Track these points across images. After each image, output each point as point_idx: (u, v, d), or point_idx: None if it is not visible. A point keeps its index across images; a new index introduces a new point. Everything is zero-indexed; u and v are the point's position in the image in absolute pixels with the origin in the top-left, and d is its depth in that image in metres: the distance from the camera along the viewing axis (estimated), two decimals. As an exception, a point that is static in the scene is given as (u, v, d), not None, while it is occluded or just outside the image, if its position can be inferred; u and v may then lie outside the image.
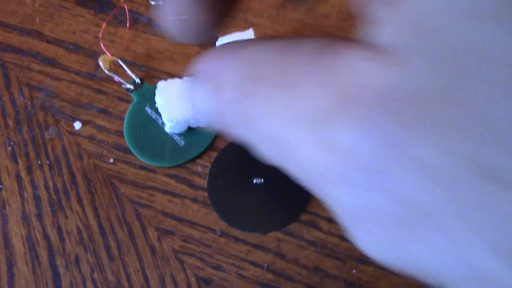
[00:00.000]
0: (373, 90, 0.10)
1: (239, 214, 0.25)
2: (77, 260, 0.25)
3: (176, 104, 0.26)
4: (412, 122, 0.10)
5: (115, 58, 0.29)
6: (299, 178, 0.14)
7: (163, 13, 0.21)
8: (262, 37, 0.16)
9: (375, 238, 0.12)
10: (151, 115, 0.28)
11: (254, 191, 0.26)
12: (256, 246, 0.25)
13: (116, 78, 0.29)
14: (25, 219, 0.26)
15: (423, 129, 0.10)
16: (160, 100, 0.27)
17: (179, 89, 0.27)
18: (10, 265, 0.26)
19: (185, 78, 0.27)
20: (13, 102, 0.30)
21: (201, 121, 0.21)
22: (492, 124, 0.09)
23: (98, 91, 0.30)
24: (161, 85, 0.27)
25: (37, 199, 0.27)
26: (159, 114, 0.28)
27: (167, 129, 0.27)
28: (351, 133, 0.11)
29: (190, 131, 0.27)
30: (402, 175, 0.10)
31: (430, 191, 0.10)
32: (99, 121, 0.29)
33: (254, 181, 0.26)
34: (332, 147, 0.11)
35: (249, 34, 0.28)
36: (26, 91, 0.30)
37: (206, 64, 0.15)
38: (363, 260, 0.24)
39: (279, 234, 0.25)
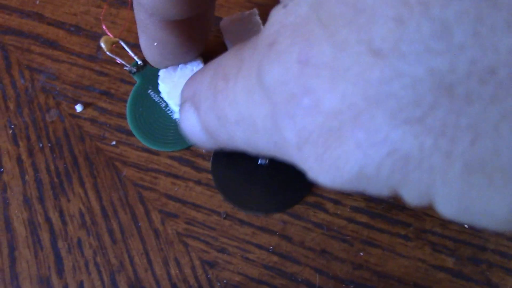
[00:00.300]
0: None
1: (243, 194, 0.25)
2: (79, 244, 0.25)
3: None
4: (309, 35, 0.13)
5: (117, 39, 0.29)
6: (276, 154, 0.16)
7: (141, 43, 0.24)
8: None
9: (319, 159, 0.13)
10: (154, 98, 0.28)
11: (258, 171, 0.25)
12: (261, 228, 0.24)
13: (118, 60, 0.28)
14: (26, 202, 0.26)
15: (318, 39, 0.12)
16: (165, 87, 0.26)
17: (181, 73, 0.26)
18: (12, 248, 0.25)
19: (184, 64, 0.26)
20: (13, 84, 0.29)
21: (197, 143, 0.21)
22: (362, 9, 0.11)
23: (100, 73, 0.29)
24: (163, 73, 0.26)
25: (38, 182, 0.26)
26: (162, 98, 0.27)
27: (177, 115, 0.27)
28: (277, 65, 0.13)
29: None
30: (321, 92, 0.12)
31: (344, 93, 0.12)
32: (101, 103, 0.28)
33: (259, 161, 0.25)
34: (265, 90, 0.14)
35: (254, 14, 0.28)
36: (26, 73, 0.29)
37: (186, 91, 0.20)
38: (371, 242, 0.24)
39: (285, 216, 0.25)
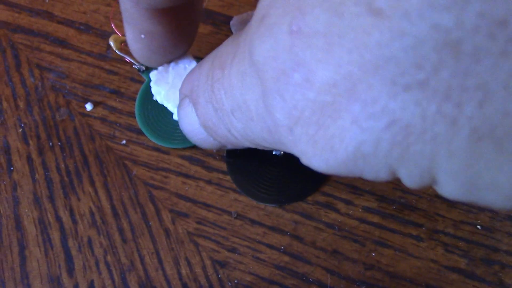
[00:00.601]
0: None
1: (257, 185, 0.24)
2: (90, 243, 0.25)
3: (179, 87, 0.25)
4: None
5: (125, 38, 0.29)
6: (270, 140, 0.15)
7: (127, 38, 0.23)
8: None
9: (311, 140, 0.12)
10: (163, 96, 0.28)
11: (273, 162, 0.25)
12: (272, 228, 0.24)
13: (127, 58, 0.28)
14: (36, 201, 0.26)
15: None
16: (160, 90, 0.25)
17: (175, 72, 0.26)
18: (22, 247, 0.25)
19: (173, 62, 0.26)
20: (23, 83, 0.29)
21: (197, 142, 0.21)
22: None
23: (110, 71, 0.29)
24: (155, 76, 0.26)
25: (48, 180, 0.26)
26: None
27: (176, 116, 0.26)
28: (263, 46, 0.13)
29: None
30: (314, 64, 0.11)
31: (339, 63, 0.11)
32: (111, 102, 0.28)
33: (274, 152, 0.25)
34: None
35: None
36: (36, 72, 0.29)
37: (184, 88, 0.20)
38: (383, 243, 0.24)
39: (296, 216, 0.24)
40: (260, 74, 0.13)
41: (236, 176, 0.25)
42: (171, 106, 0.26)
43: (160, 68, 0.26)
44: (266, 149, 0.17)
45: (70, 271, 0.24)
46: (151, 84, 0.26)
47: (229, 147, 0.18)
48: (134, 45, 0.24)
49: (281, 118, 0.13)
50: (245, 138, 0.17)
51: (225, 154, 0.26)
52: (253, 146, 0.17)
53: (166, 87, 0.25)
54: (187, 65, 0.26)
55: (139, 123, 0.27)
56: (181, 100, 0.20)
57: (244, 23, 0.28)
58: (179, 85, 0.25)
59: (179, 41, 0.24)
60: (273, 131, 0.14)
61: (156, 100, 0.27)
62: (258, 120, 0.15)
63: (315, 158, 0.13)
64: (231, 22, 0.28)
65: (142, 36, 0.23)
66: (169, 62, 0.26)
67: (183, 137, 0.26)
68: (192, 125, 0.19)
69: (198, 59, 0.28)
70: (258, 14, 0.13)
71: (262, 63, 0.13)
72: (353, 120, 0.11)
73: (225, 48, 0.16)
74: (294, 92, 0.12)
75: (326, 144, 0.12)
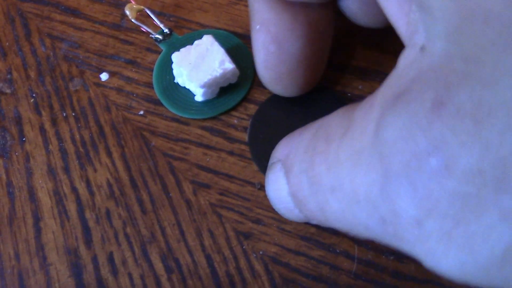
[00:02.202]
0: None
1: None
2: (108, 214, 0.24)
3: (202, 67, 0.25)
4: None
5: (142, 7, 0.28)
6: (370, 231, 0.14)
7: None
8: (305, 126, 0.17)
9: (445, 238, 0.11)
10: (180, 66, 0.27)
11: None
12: (297, 199, 0.24)
13: (144, 28, 0.28)
14: (51, 172, 0.25)
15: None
16: (183, 70, 0.25)
17: (196, 52, 0.25)
18: (37, 219, 0.24)
19: (196, 42, 0.25)
20: (34, 52, 0.28)
21: (280, 210, 0.20)
22: None
23: (125, 41, 0.28)
24: (177, 57, 0.25)
25: (63, 152, 0.26)
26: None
27: (199, 97, 0.26)
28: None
29: (224, 83, 0.26)
30: (456, 148, 0.10)
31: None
32: (127, 72, 0.27)
33: None
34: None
35: None
36: (47, 41, 0.28)
37: (279, 152, 0.18)
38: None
39: (321, 188, 0.24)
40: (385, 155, 0.11)
41: (259, 162, 0.24)
42: (194, 87, 0.25)
43: (182, 49, 0.25)
44: (361, 237, 0.15)
45: (88, 242, 0.24)
46: (173, 66, 0.26)
47: (314, 223, 0.17)
48: (262, 54, 0.21)
49: (407, 209, 0.11)
50: (338, 220, 0.15)
51: (247, 141, 0.25)
52: (345, 231, 0.15)
53: (188, 68, 0.25)
54: (209, 46, 0.25)
55: (157, 93, 0.26)
56: (272, 164, 0.19)
57: None
58: (202, 66, 0.24)
59: (308, 63, 0.22)
60: (389, 221, 0.12)
61: (176, 77, 0.26)
62: (366, 206, 0.13)
63: (447, 260, 0.11)
64: None
65: (258, 27, 0.20)
66: (191, 43, 0.25)
67: (202, 108, 0.26)
68: (280, 192, 0.18)
69: (218, 31, 0.27)
70: (391, 89, 0.12)
71: (391, 144, 0.11)
72: (502, 216, 0.10)
73: (333, 120, 0.15)
74: (428, 179, 0.10)
75: (464, 244, 0.10)
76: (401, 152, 0.11)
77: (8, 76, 0.28)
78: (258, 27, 0.20)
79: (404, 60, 0.12)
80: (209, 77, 0.24)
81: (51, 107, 0.27)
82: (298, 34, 0.20)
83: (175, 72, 0.26)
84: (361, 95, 0.26)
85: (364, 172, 0.12)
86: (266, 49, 0.21)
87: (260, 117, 0.25)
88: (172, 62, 0.26)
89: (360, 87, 0.26)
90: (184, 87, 0.26)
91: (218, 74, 0.24)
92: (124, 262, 0.23)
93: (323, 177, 0.14)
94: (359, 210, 0.13)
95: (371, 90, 0.25)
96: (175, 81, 0.26)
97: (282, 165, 0.17)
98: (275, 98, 0.25)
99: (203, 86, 0.24)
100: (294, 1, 0.19)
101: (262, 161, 0.24)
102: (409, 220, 0.11)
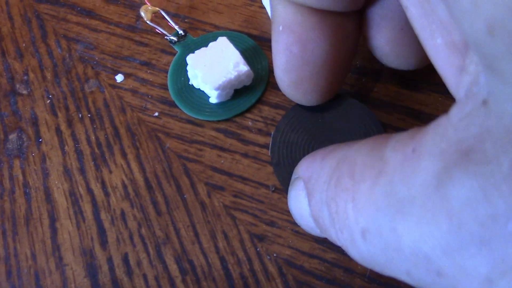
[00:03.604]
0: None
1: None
2: (123, 215, 0.24)
3: (216, 69, 0.25)
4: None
5: (157, 9, 0.28)
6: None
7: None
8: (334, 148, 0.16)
9: None
10: (195, 68, 0.27)
11: None
12: (311, 202, 0.24)
13: (159, 29, 0.28)
14: (67, 173, 0.25)
15: None
16: (198, 72, 0.25)
17: (211, 53, 0.25)
18: (53, 220, 0.24)
19: (211, 44, 0.25)
20: (50, 54, 0.28)
21: (303, 227, 0.19)
22: None
23: (140, 43, 0.28)
24: (192, 59, 0.25)
25: (79, 152, 0.26)
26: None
27: (214, 99, 0.26)
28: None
29: (238, 85, 0.26)
30: None
31: None
32: (142, 74, 0.27)
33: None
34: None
35: None
36: (63, 42, 0.29)
37: (302, 170, 0.17)
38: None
39: (336, 190, 0.24)
40: (454, 213, 0.11)
41: (280, 175, 0.24)
42: (208, 89, 0.25)
43: (196, 51, 0.25)
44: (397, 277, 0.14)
45: (103, 243, 0.24)
46: (188, 68, 0.26)
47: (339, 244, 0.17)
48: (282, 57, 0.21)
49: (479, 267, 0.11)
50: (365, 259, 0.14)
51: (270, 156, 0.24)
52: (370, 268, 0.15)
53: (202, 70, 0.25)
54: (224, 48, 0.25)
55: (172, 95, 0.26)
56: (295, 179, 0.18)
57: None
58: (216, 68, 0.24)
59: (334, 58, 0.21)
60: (450, 275, 0.11)
61: (191, 81, 0.27)
62: (413, 256, 0.12)
63: None
64: None
65: (280, 28, 0.20)
66: (206, 45, 0.25)
67: (216, 110, 0.26)
68: (301, 211, 0.17)
69: (232, 32, 0.27)
70: (449, 142, 0.11)
71: (462, 202, 0.11)
72: None
73: (358, 156, 0.14)
74: (505, 242, 0.10)
75: None
76: (474, 211, 0.10)
77: (25, 77, 0.28)
78: (280, 28, 0.20)
79: (459, 111, 0.11)
80: (224, 79, 0.24)
81: (67, 108, 0.27)
82: (323, 35, 0.19)
83: (189, 74, 0.26)
84: (377, 97, 0.25)
85: (416, 224, 0.12)
86: (289, 50, 0.20)
87: (284, 126, 0.24)
88: (187, 64, 0.26)
89: (375, 89, 0.26)
90: (199, 89, 0.26)
91: (232, 76, 0.25)
92: (139, 263, 0.23)
93: (349, 217, 0.14)
94: (399, 258, 0.12)
95: (386, 92, 0.25)
96: (190, 83, 0.26)
97: (304, 186, 0.17)
98: (299, 108, 0.24)
99: (217, 88, 0.24)
100: (319, 7, 0.19)
101: (284, 175, 0.23)
102: (479, 278, 0.11)
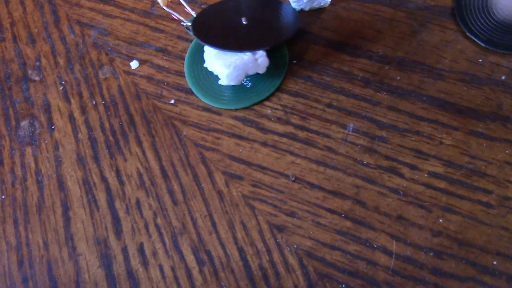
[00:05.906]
0: None
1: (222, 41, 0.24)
2: (138, 204, 0.24)
3: (230, 54, 0.24)
4: None
5: (173, -6, 0.27)
6: None
7: None
8: None
9: None
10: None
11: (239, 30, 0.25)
12: (333, 193, 0.23)
13: (175, 15, 0.27)
14: (80, 161, 0.25)
15: None
16: (211, 57, 0.24)
17: None
18: (66, 208, 0.24)
19: None
20: (63, 39, 0.28)
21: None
22: None
23: (155, 29, 0.28)
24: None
25: (92, 140, 0.25)
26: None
27: (224, 80, 0.25)
28: None
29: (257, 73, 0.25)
30: None
31: None
32: (158, 61, 0.27)
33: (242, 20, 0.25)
34: None
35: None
36: (77, 28, 0.28)
37: None
38: (450, 209, 0.23)
39: (358, 181, 0.23)
40: None
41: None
42: (219, 66, 0.24)
43: None
44: None
45: (118, 233, 0.23)
46: (205, 48, 0.25)
47: None
48: None
49: None
50: None
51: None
52: None
53: (216, 54, 0.24)
54: None
55: (188, 82, 0.26)
56: None
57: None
58: (230, 52, 0.24)
59: None
60: None
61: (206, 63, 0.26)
62: None
63: None
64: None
65: None
66: None
67: (234, 99, 0.25)
68: None
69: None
70: None
71: None
72: None
73: None
74: None
75: None
76: None
77: (37, 63, 0.27)
78: None
79: None
80: (237, 57, 0.24)
81: (80, 95, 0.26)
82: None
83: (205, 56, 0.25)
84: (400, 86, 0.25)
85: None
86: None
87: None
88: (203, 51, 0.25)
89: (398, 77, 0.25)
90: (212, 72, 0.25)
91: (246, 58, 0.24)
92: (154, 254, 0.23)
93: None
94: None
95: (409, 81, 0.25)
96: (204, 65, 0.25)
97: None
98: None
99: (229, 66, 0.24)
100: None
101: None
102: None
